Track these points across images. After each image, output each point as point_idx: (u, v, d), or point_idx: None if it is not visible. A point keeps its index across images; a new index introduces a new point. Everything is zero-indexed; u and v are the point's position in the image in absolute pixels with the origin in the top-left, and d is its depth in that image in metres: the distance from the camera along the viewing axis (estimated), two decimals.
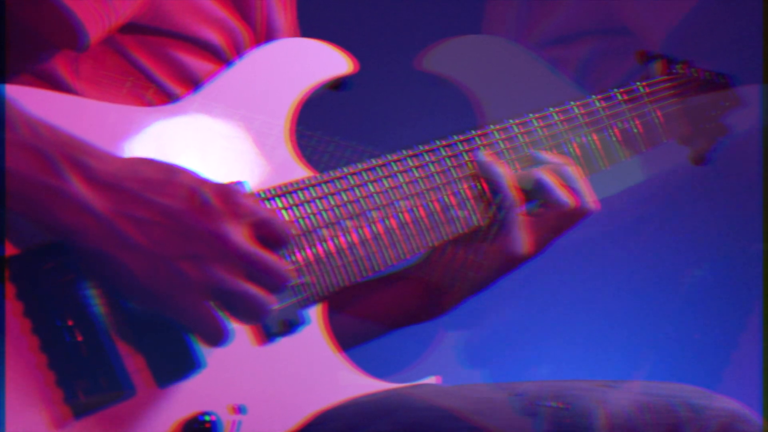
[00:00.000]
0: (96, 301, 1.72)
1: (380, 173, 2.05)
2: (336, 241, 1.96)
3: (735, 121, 2.64)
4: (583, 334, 3.40)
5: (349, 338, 2.09)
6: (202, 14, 1.99)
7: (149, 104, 1.93)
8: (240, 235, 1.71)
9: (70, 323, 1.70)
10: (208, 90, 1.95)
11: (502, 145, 2.21)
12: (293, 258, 1.91)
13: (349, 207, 1.99)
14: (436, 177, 2.11)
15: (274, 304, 1.74)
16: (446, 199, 2.12)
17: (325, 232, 1.96)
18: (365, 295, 2.22)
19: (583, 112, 2.33)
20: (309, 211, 1.94)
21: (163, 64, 1.96)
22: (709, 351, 3.38)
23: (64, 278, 1.70)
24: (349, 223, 1.98)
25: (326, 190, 1.97)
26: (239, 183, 1.82)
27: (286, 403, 1.87)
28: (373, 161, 2.05)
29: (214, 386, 1.80)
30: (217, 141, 1.91)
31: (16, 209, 1.64)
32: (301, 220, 1.93)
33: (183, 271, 1.68)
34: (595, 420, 1.87)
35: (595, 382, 2.01)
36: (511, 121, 2.24)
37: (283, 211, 1.92)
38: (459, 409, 1.89)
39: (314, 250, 1.94)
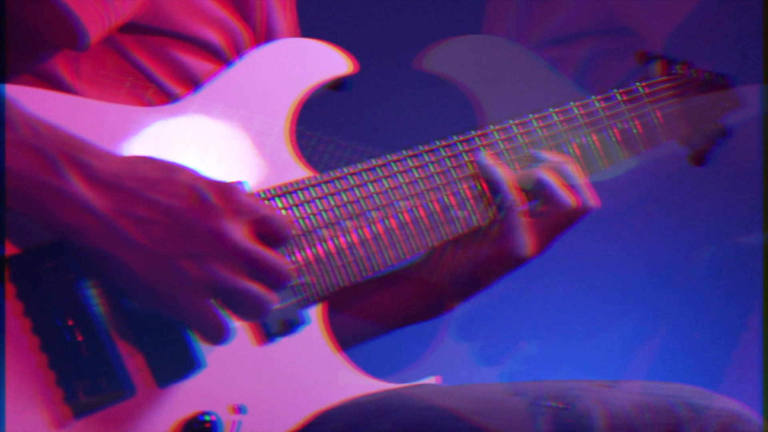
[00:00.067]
0: (96, 300, 1.72)
1: (380, 173, 2.05)
2: (336, 242, 1.96)
3: (735, 122, 2.64)
4: (582, 334, 3.40)
5: (349, 338, 2.09)
6: (202, 14, 1.99)
7: (149, 104, 1.93)
8: (240, 233, 1.71)
9: (70, 323, 1.70)
10: (208, 90, 1.95)
11: (501, 146, 2.20)
12: (293, 258, 1.91)
13: (349, 207, 1.99)
14: (436, 177, 2.11)
15: (275, 301, 1.74)
16: (446, 200, 2.11)
17: (325, 232, 1.95)
18: (365, 295, 2.22)
19: (582, 112, 2.33)
20: (309, 211, 1.94)
21: (163, 64, 1.96)
22: (709, 351, 3.38)
23: (64, 278, 1.70)
24: (349, 224, 1.98)
25: (326, 191, 1.97)
26: (239, 183, 1.82)
27: (286, 403, 1.87)
28: (373, 161, 2.05)
29: (214, 386, 1.80)
30: (216, 141, 1.91)
31: (16, 208, 1.64)
32: (300, 221, 1.93)
33: (183, 269, 1.68)
34: (595, 420, 1.87)
35: (595, 382, 2.00)
36: (510, 121, 2.24)
37: (283, 212, 1.92)
38: (459, 409, 1.89)
39: (314, 250, 1.94)
